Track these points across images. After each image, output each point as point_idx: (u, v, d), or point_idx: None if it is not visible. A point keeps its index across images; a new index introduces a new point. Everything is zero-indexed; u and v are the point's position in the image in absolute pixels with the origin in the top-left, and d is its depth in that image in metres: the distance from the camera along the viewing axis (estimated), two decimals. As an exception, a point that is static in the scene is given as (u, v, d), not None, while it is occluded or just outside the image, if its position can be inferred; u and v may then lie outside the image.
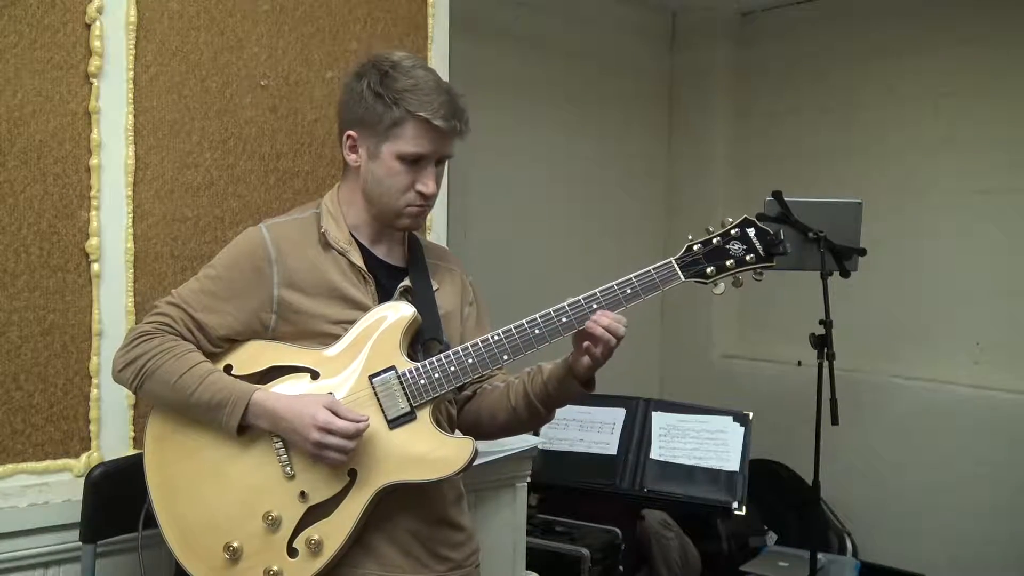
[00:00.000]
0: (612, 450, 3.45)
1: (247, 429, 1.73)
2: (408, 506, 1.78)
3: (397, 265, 1.89)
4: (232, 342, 1.80)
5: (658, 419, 3.53)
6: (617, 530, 3.54)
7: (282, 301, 1.77)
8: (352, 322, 1.78)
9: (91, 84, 2.13)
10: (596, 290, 1.77)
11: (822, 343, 3.22)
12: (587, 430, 3.53)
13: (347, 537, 1.72)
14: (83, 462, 2.14)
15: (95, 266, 2.15)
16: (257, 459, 1.75)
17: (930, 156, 4.42)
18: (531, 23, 4.57)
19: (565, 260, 4.72)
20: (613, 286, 1.76)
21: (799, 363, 4.53)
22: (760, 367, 4.94)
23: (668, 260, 1.78)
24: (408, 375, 1.75)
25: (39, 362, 2.09)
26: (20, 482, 2.06)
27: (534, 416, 1.91)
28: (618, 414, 3.55)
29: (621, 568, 3.50)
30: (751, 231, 1.79)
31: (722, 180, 5.20)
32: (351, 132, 1.81)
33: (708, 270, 1.78)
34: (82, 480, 2.01)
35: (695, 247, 1.80)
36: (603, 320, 1.73)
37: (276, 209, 2.41)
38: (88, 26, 2.12)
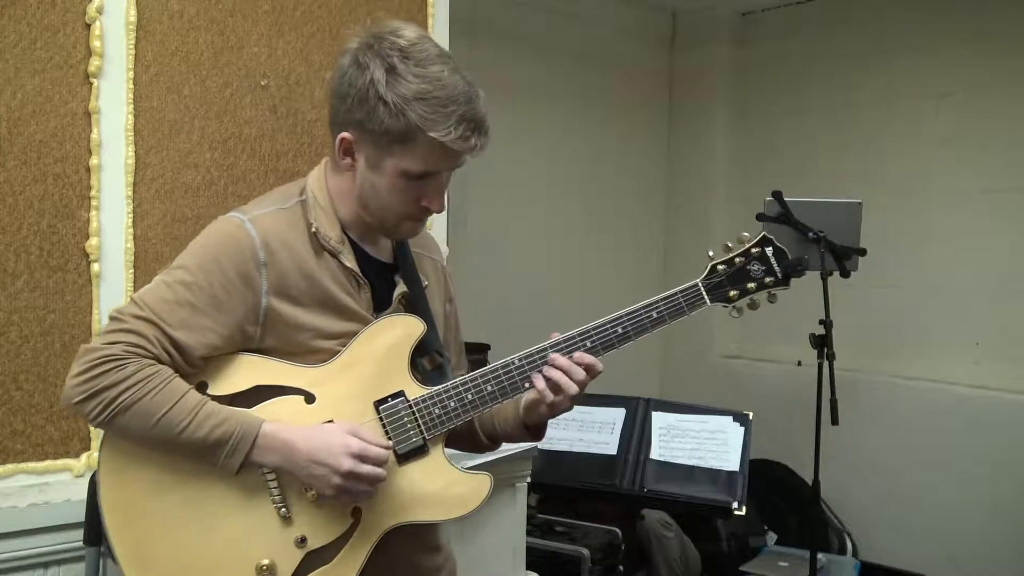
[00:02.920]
0: (612, 450, 3.45)
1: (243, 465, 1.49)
2: (406, 539, 1.62)
3: (386, 262, 1.67)
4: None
5: (658, 419, 3.52)
6: (617, 530, 3.54)
7: (270, 311, 1.52)
8: (346, 335, 1.56)
9: (91, 84, 2.13)
10: (623, 312, 1.65)
11: (822, 343, 3.22)
12: (587, 430, 3.52)
13: None
14: (83, 462, 2.14)
15: (95, 266, 2.15)
16: (245, 498, 1.51)
17: (930, 156, 4.42)
18: (531, 23, 4.57)
19: (565, 259, 4.72)
20: (639, 310, 1.64)
21: (799, 363, 4.54)
22: (760, 367, 4.94)
23: (695, 283, 1.68)
24: (420, 403, 1.57)
25: (39, 362, 2.09)
26: (20, 482, 2.06)
27: (476, 444, 1.77)
28: (618, 414, 3.54)
29: (621, 568, 3.50)
30: (769, 250, 1.72)
31: (722, 180, 5.20)
32: (346, 135, 1.54)
33: (731, 293, 1.70)
34: (81, 480, 2.01)
35: (719, 267, 1.69)
36: (561, 362, 1.60)
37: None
38: (88, 26, 2.12)
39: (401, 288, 1.64)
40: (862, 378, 4.41)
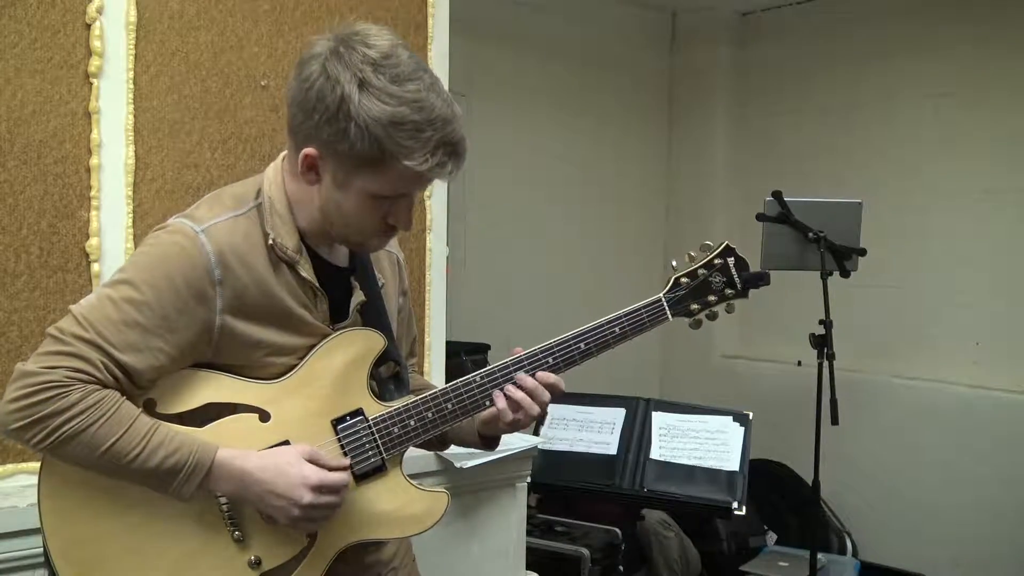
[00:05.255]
0: (612, 450, 3.45)
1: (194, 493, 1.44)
2: (362, 551, 1.62)
3: (342, 266, 1.60)
4: None
5: (658, 419, 3.53)
6: (617, 530, 3.54)
7: (224, 329, 1.45)
8: (303, 349, 1.52)
9: (91, 84, 2.13)
10: (586, 328, 1.63)
11: (822, 343, 3.22)
12: (587, 430, 3.53)
13: None
14: (83, 462, 2.13)
15: (95, 266, 2.15)
16: (196, 521, 1.46)
17: (930, 156, 4.42)
18: (531, 23, 4.57)
19: (565, 260, 4.72)
20: (603, 325, 1.62)
21: (799, 363, 4.53)
22: (760, 367, 4.94)
23: (658, 298, 1.66)
24: (379, 422, 1.54)
25: (39, 362, 2.09)
26: (20, 482, 2.06)
27: (427, 442, 1.68)
28: (618, 414, 3.55)
29: (621, 568, 3.50)
30: (731, 260, 1.70)
31: (722, 180, 5.20)
32: (311, 151, 1.44)
33: (693, 307, 1.69)
34: (82, 480, 2.00)
35: (682, 280, 1.68)
36: (528, 383, 1.57)
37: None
38: (88, 26, 2.12)
39: (359, 297, 1.59)
40: (862, 378, 4.40)
